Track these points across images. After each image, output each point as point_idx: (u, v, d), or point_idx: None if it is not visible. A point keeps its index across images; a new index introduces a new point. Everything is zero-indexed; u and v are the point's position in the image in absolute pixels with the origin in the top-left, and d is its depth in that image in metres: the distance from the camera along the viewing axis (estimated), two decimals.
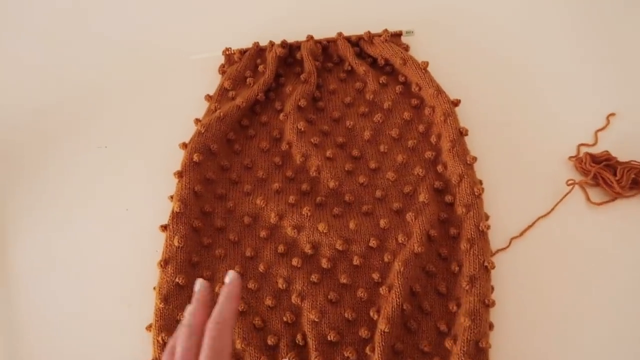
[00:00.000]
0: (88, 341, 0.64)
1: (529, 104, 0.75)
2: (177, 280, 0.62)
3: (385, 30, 0.77)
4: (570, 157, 0.71)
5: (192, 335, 0.42)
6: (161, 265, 0.63)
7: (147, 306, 0.62)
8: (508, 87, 0.77)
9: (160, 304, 0.61)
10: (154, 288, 0.63)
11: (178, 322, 0.60)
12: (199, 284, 0.46)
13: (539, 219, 0.67)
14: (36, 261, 0.68)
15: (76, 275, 0.67)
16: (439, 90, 0.71)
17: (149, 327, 0.61)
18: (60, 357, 0.63)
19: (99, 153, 0.75)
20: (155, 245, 0.66)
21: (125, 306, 0.65)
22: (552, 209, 0.67)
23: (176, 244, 0.63)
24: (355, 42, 0.78)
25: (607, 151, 0.69)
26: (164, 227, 0.65)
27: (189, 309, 0.44)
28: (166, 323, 0.60)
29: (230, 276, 0.46)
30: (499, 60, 0.79)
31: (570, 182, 0.68)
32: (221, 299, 0.44)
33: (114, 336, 0.64)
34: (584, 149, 0.71)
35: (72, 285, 0.67)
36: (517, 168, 0.71)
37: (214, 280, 0.64)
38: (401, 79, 0.75)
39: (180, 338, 0.42)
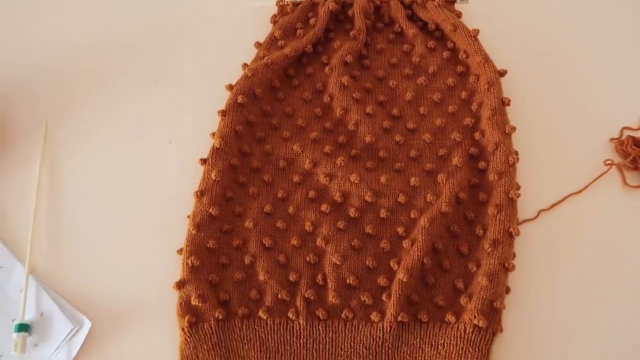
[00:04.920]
0: (122, 259, 0.67)
1: (576, 82, 0.74)
2: (210, 210, 0.65)
3: None
4: (612, 139, 0.70)
5: None
6: (197, 196, 0.66)
7: (180, 233, 0.65)
8: (556, 64, 0.76)
9: (192, 230, 0.64)
10: (188, 216, 0.66)
11: (207, 249, 0.63)
12: None
13: (570, 195, 0.66)
14: (80, 183, 0.72)
15: (118, 196, 0.71)
16: (486, 59, 0.71)
17: (179, 251, 0.64)
18: (95, 270, 0.67)
19: (150, 88, 0.79)
20: (193, 177, 0.69)
21: (158, 232, 0.68)
22: (585, 187, 0.67)
23: (213, 177, 0.66)
24: (408, 5, 0.79)
25: None
26: (203, 161, 0.68)
27: None
28: (196, 248, 0.63)
29: None
30: (549, 35, 0.78)
31: (608, 162, 0.67)
32: None
33: (147, 257, 0.67)
34: (627, 132, 0.70)
35: (114, 206, 0.71)
36: (556, 144, 0.70)
37: (244, 216, 0.67)
38: (449, 45, 0.75)
39: None
